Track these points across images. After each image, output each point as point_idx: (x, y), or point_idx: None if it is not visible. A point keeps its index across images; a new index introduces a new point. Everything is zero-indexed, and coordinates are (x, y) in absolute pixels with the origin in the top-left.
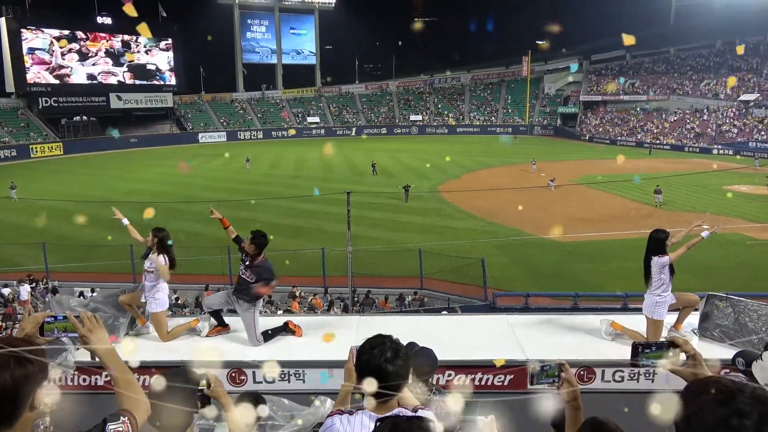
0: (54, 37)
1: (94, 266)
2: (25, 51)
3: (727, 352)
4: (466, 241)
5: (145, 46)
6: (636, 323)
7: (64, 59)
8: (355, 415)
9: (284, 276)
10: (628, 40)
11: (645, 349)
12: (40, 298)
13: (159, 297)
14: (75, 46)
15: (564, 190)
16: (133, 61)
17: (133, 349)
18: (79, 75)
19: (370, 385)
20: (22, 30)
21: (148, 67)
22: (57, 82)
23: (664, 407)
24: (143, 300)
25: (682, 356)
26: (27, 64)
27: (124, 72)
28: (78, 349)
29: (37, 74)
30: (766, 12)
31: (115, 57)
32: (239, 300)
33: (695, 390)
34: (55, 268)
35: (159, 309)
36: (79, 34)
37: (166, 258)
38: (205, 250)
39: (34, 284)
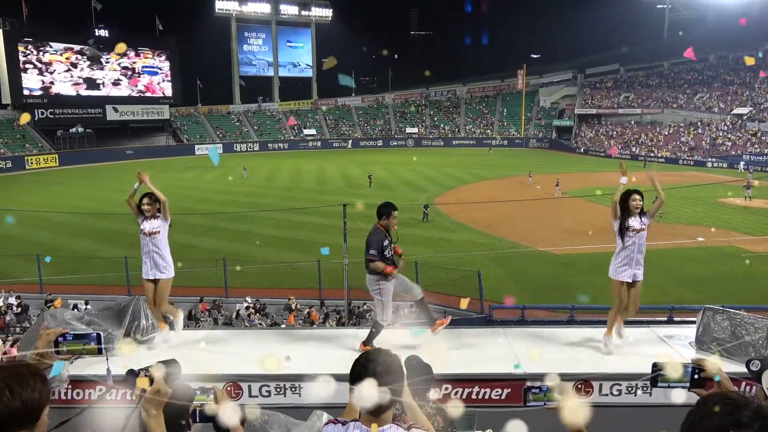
0: (50, 50)
1: (88, 278)
2: (21, 63)
3: (725, 366)
4: (463, 254)
5: (142, 58)
6: (632, 335)
7: (61, 71)
8: (348, 426)
9: (280, 288)
10: None
11: (662, 373)
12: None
13: (171, 261)
14: (72, 58)
15: (559, 203)
16: (130, 73)
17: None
18: (76, 87)
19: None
20: (19, 42)
21: (145, 79)
22: (53, 93)
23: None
24: (159, 276)
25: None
26: (23, 76)
27: (121, 84)
28: (72, 362)
29: (33, 86)
30: (758, 26)
31: (113, 69)
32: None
33: (703, 401)
34: (49, 281)
35: (173, 273)
36: (77, 46)
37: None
38: (199, 262)
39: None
